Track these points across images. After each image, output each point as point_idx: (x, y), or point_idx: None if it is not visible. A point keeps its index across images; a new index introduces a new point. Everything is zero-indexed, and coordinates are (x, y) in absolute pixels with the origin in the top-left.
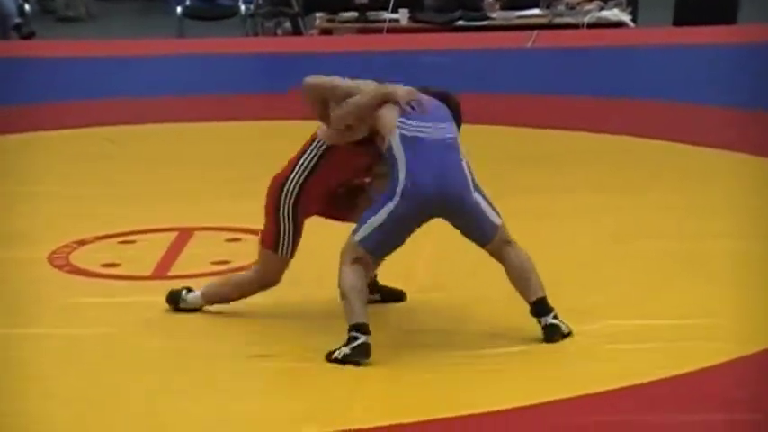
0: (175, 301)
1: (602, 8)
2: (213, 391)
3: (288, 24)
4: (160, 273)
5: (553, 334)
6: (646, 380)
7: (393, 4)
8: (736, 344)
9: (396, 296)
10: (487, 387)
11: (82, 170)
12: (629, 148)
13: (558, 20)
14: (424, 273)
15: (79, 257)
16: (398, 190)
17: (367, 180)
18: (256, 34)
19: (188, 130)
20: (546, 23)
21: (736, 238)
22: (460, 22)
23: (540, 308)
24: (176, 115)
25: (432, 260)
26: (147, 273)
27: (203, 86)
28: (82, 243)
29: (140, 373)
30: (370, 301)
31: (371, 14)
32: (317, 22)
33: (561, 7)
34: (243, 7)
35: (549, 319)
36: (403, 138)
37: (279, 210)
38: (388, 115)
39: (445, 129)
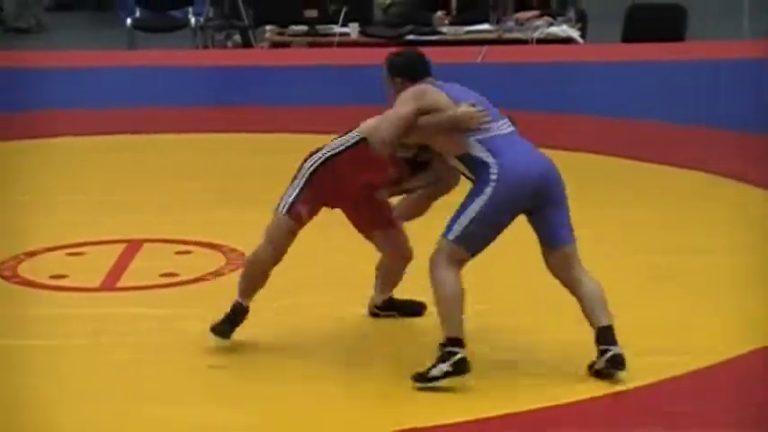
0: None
1: (551, 24)
2: (165, 402)
3: (238, 37)
4: (108, 285)
5: (618, 364)
6: (594, 395)
7: (343, 18)
8: (691, 358)
9: (415, 309)
10: (430, 403)
11: (29, 181)
12: (580, 163)
13: (507, 35)
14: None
15: (28, 269)
16: (493, 178)
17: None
18: (207, 47)
19: (138, 141)
20: (495, 39)
21: (698, 253)
22: (410, 37)
23: (609, 336)
24: (126, 127)
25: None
26: (96, 285)
27: (154, 98)
28: (31, 254)
29: (88, 384)
30: (388, 317)
31: (321, 28)
32: (268, 34)
33: (511, 23)
34: (193, 19)
35: (617, 349)
36: (481, 141)
37: (296, 175)
38: (456, 140)
39: (507, 123)
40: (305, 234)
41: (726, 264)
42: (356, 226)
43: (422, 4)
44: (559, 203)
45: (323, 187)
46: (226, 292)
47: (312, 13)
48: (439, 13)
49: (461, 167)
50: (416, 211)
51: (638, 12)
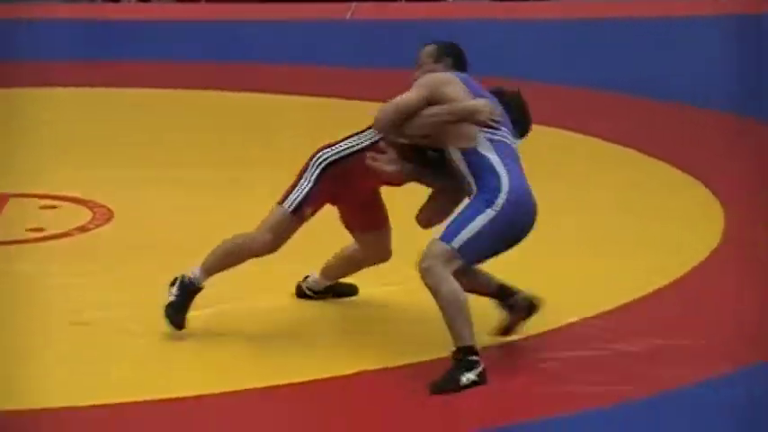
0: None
1: None
2: (26, 358)
3: None
4: None
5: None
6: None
7: None
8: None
9: (349, 291)
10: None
11: None
12: None
13: None
14: None
15: None
16: (500, 200)
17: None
18: (74, 0)
19: (5, 95)
20: None
21: (575, 213)
22: None
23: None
24: None
25: None
26: None
27: (18, 52)
28: None
29: None
30: (322, 299)
31: None
32: None
33: None
34: None
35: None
36: (490, 140)
37: (304, 171)
38: (466, 130)
39: (510, 134)
40: None
41: (590, 222)
42: (348, 223)
43: None
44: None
45: (332, 186)
46: (91, 248)
47: None
48: None
49: (463, 167)
50: (439, 217)
51: None
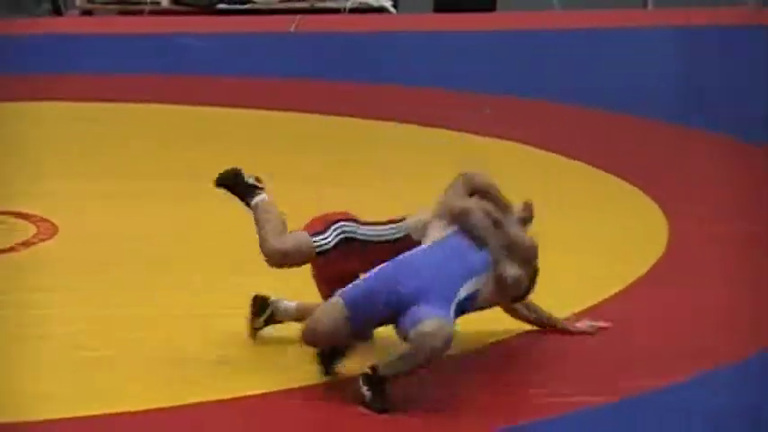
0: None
1: None
2: None
3: (48, 5)
4: None
5: None
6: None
7: None
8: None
9: None
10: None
11: None
12: (395, 133)
13: (319, 4)
14: None
15: None
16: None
17: None
18: (14, 14)
19: None
20: (308, 8)
21: None
22: (222, 6)
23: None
24: None
25: None
26: None
27: None
28: None
29: None
30: None
31: None
32: (78, 2)
33: None
34: None
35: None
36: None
37: (331, 225)
38: None
39: None
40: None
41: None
42: (323, 292)
43: None
44: None
45: (335, 257)
46: (36, 263)
47: None
48: None
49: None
50: None
51: None
